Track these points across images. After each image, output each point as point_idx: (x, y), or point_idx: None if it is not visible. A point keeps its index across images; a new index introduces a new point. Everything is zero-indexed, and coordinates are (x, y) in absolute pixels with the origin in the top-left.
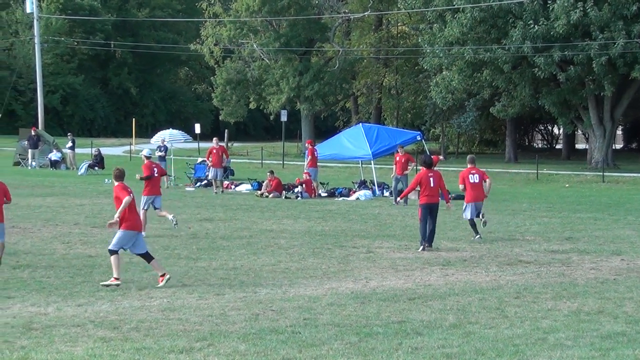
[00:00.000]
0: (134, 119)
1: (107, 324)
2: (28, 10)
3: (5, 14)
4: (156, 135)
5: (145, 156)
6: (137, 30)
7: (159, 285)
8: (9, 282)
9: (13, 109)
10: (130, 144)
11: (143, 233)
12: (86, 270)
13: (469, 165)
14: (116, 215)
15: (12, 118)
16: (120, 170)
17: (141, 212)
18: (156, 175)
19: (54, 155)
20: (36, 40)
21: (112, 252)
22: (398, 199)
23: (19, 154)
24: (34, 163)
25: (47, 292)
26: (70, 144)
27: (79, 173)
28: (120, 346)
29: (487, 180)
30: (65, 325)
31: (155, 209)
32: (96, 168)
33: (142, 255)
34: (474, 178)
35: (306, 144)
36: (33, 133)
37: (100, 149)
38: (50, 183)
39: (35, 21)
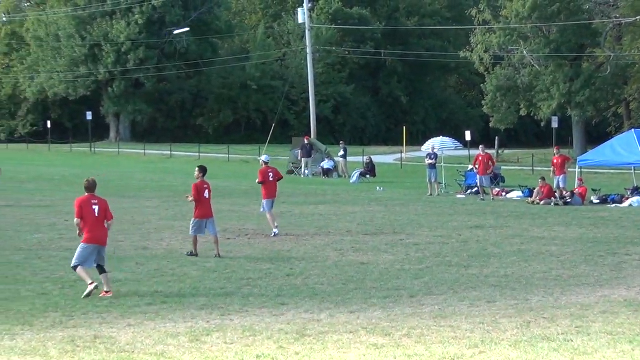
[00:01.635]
0: (404, 127)
1: (379, 330)
2: (300, 21)
3: (277, 25)
4: (427, 142)
5: (263, 162)
6: (407, 39)
7: (99, 296)
8: (282, 289)
9: (286, 119)
10: (401, 152)
11: (275, 231)
12: (358, 277)
13: None
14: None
15: (285, 127)
16: (89, 182)
17: (267, 215)
18: (271, 179)
19: (327, 164)
20: (308, 50)
21: (75, 267)
22: None
23: (292, 163)
24: (307, 171)
25: (320, 299)
26: (342, 152)
27: (351, 181)
28: (392, 353)
29: None
30: (338, 332)
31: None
32: (368, 176)
33: (97, 266)
34: None
35: (554, 150)
36: (306, 142)
37: (372, 156)
38: (322, 191)
39: (306, 31)
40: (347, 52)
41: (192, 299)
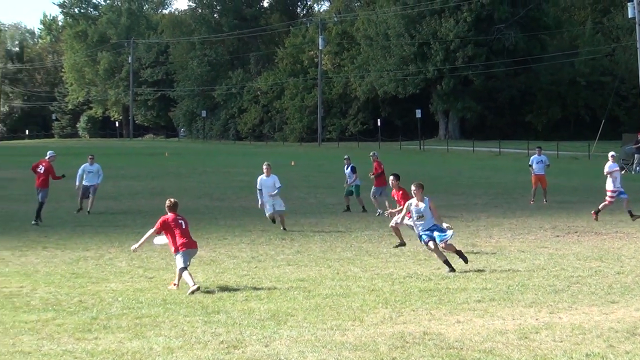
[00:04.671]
0: None
1: None
2: (629, 16)
3: (606, 20)
4: None
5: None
6: None
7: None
8: (612, 287)
9: (616, 115)
10: None
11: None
12: None
13: None
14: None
15: (615, 123)
16: (171, 202)
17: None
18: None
19: None
20: (638, 44)
21: (182, 269)
22: None
23: (622, 159)
24: (638, 168)
25: None
26: None
27: None
28: None
29: None
30: None
31: None
32: None
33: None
34: None
35: None
36: (639, 138)
37: None
38: None
39: (636, 26)
40: None
41: (520, 296)
